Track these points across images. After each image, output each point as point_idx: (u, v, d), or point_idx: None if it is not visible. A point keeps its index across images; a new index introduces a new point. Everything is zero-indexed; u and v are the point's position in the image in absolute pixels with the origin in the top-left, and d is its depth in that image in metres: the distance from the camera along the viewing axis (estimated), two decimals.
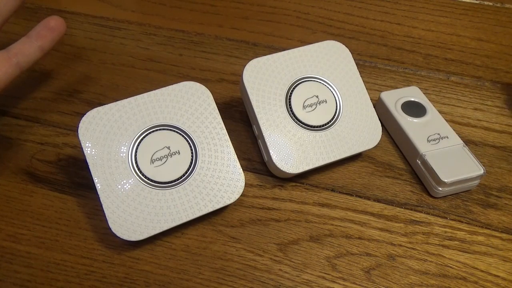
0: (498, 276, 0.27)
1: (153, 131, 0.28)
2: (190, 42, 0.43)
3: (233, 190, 0.28)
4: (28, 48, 0.30)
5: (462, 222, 0.30)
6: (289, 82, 0.32)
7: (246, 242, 0.28)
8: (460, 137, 0.33)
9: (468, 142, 0.35)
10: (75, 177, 0.31)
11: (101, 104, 0.28)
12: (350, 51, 0.34)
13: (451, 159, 0.31)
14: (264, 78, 0.31)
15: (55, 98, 0.37)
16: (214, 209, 0.28)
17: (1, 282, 0.26)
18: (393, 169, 0.33)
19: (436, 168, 0.30)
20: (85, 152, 0.27)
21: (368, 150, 0.32)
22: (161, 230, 0.27)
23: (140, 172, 0.27)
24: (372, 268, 0.28)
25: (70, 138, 0.34)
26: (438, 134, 0.32)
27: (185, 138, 0.29)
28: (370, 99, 0.33)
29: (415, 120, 0.33)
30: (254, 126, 0.32)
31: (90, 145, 0.27)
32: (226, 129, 0.30)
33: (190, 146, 0.29)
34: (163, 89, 0.29)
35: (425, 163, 0.31)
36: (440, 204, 0.31)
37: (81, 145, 0.27)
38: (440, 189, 0.30)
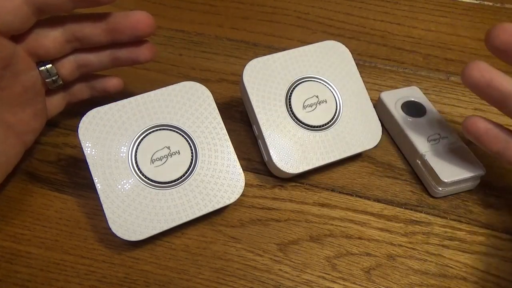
0: (498, 276, 0.27)
1: (153, 131, 0.28)
2: (190, 42, 0.43)
3: (233, 190, 0.28)
4: (83, 93, 0.33)
5: (462, 222, 0.30)
6: (289, 82, 0.32)
7: (246, 242, 0.28)
8: (460, 137, 0.33)
9: (468, 142, 0.35)
10: (75, 177, 0.31)
11: (101, 104, 0.28)
12: (350, 51, 0.34)
13: (451, 159, 0.31)
14: (264, 78, 0.31)
15: None
16: (214, 209, 0.28)
17: (1, 282, 0.26)
18: (393, 169, 0.33)
19: (436, 168, 0.30)
20: (85, 152, 0.27)
21: (368, 150, 0.32)
22: (161, 230, 0.27)
23: (140, 172, 0.27)
24: (372, 268, 0.28)
25: (70, 138, 0.34)
26: (438, 134, 0.32)
27: (185, 138, 0.29)
28: (370, 99, 0.33)
29: (415, 120, 0.33)
30: (254, 126, 0.32)
31: (90, 145, 0.27)
32: (226, 129, 0.30)
33: (190, 146, 0.29)
34: (163, 89, 0.29)
35: (425, 163, 0.31)
36: (440, 204, 0.31)
37: (81, 145, 0.27)
38: (440, 189, 0.30)
